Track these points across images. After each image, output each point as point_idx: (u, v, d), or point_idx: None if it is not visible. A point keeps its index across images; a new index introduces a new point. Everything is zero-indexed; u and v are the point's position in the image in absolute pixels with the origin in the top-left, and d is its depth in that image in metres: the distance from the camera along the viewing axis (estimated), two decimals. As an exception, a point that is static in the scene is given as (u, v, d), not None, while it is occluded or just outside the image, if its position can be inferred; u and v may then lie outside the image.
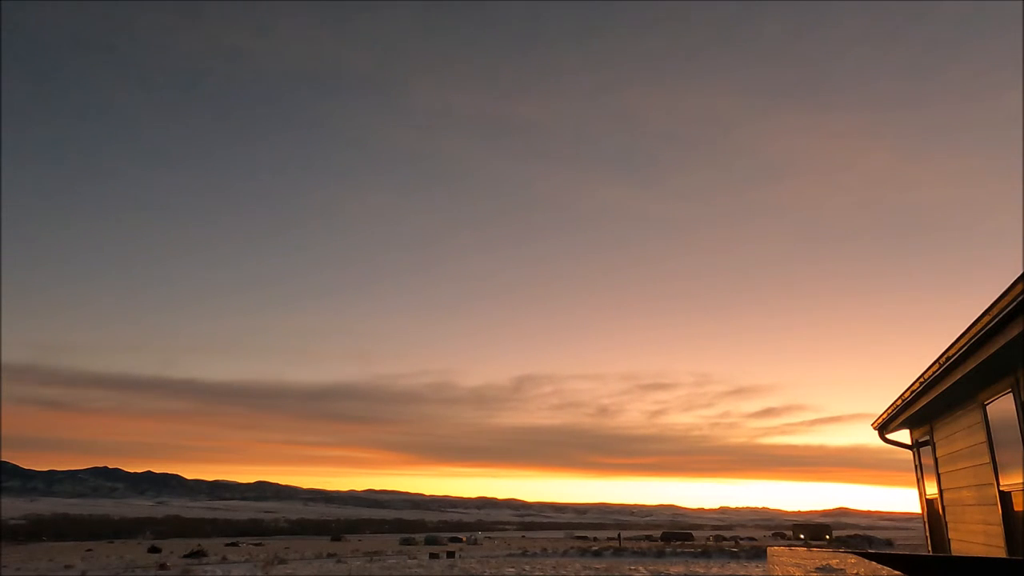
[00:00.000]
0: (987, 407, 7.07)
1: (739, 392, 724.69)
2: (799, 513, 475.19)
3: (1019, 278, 4.48)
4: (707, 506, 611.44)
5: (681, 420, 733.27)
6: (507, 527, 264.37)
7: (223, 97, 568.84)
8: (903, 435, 11.40)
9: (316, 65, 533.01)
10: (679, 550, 63.32)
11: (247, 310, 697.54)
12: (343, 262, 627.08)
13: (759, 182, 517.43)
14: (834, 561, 7.35)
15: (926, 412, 8.88)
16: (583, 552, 62.20)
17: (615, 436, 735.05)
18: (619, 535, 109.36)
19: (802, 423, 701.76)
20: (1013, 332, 4.93)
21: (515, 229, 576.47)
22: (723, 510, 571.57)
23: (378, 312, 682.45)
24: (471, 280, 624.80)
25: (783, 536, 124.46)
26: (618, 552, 61.25)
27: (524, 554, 61.72)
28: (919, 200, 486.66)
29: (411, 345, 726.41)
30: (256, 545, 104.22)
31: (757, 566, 41.78)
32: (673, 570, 37.27)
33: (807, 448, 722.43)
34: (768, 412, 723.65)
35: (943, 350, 6.37)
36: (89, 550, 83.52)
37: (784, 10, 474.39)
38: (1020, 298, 4.51)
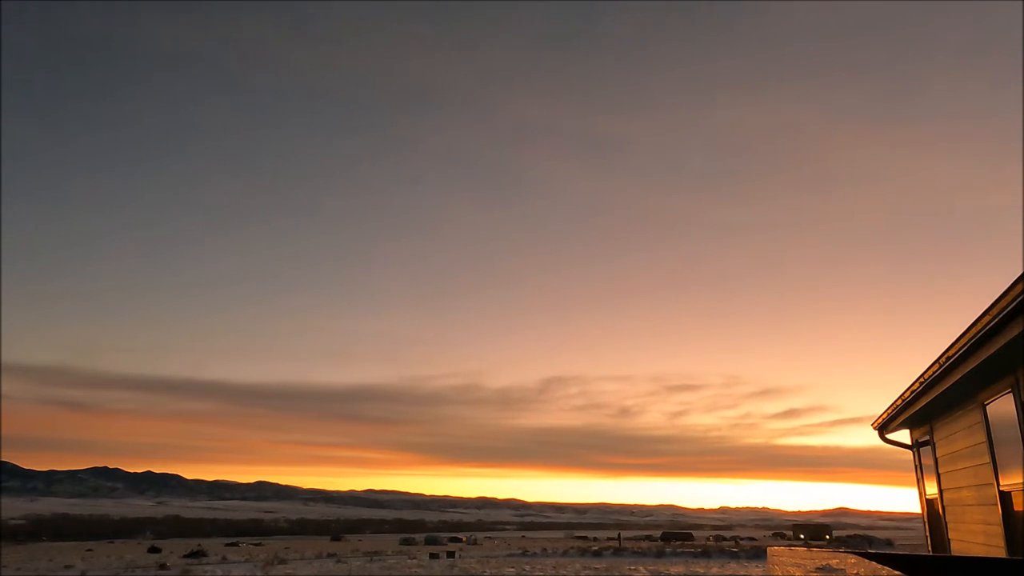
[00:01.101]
0: (987, 407, 7.07)
1: (765, 393, 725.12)
2: (799, 513, 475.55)
3: (1019, 278, 4.48)
4: (707, 506, 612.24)
5: (702, 421, 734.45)
6: (507, 527, 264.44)
7: (285, 103, 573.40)
8: (903, 435, 11.40)
9: (408, 78, 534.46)
10: (679, 550, 63.34)
11: (281, 313, 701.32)
12: (381, 266, 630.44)
13: (805, 192, 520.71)
14: (834, 561, 7.35)
15: (926, 412, 8.88)
16: (583, 552, 62.20)
17: (630, 437, 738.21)
18: (619, 535, 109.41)
19: (821, 424, 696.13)
20: (1013, 332, 4.93)
21: (550, 232, 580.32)
22: (723, 510, 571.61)
23: (413, 315, 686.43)
24: (505, 283, 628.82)
25: (783, 536, 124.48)
26: (618, 552, 61.25)
27: (524, 554, 61.73)
28: (952, 206, 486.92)
29: (444, 347, 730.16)
30: (256, 545, 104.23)
31: (757, 566, 41.79)
32: (673, 570, 37.28)
33: (808, 448, 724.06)
34: (790, 413, 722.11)
35: (943, 350, 6.37)
36: (89, 550, 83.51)
37: (879, 31, 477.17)
38: (1020, 298, 4.52)
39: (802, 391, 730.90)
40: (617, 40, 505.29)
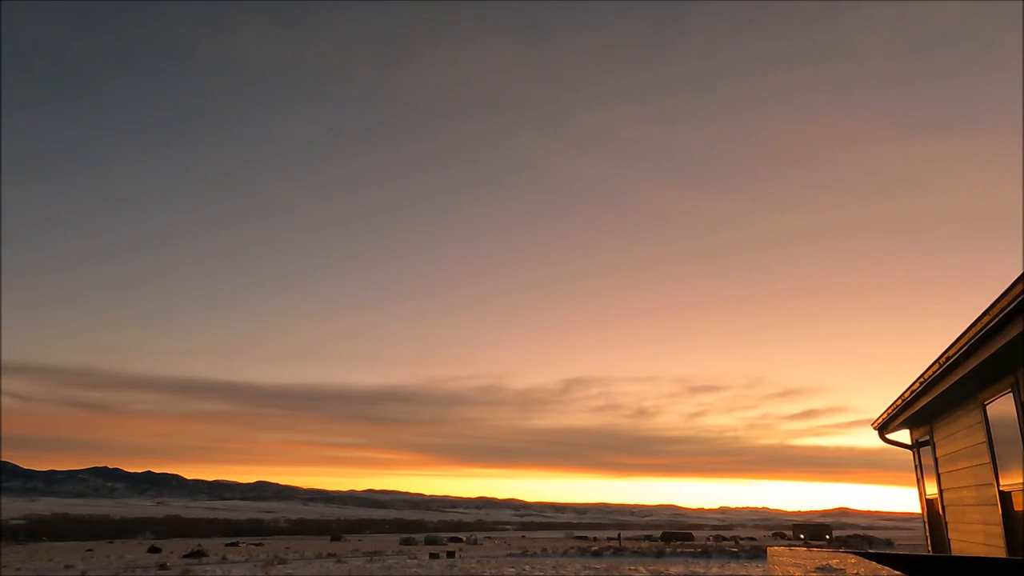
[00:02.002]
0: (987, 407, 7.07)
1: (786, 394, 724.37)
2: (799, 513, 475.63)
3: (1019, 278, 4.48)
4: (707, 506, 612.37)
5: (719, 422, 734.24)
6: (507, 527, 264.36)
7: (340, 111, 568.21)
8: (903, 435, 11.40)
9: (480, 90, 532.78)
10: (679, 550, 63.37)
11: (311, 316, 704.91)
12: (416, 271, 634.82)
13: (838, 198, 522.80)
14: (834, 561, 7.34)
15: (926, 412, 8.88)
16: (583, 552, 62.21)
17: (644, 438, 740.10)
18: (619, 535, 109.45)
19: (839, 425, 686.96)
20: (1013, 332, 4.93)
21: (589, 235, 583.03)
22: (723, 510, 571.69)
23: (444, 317, 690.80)
24: (533, 284, 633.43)
25: (783, 536, 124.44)
26: (618, 552, 61.25)
27: (524, 554, 61.71)
28: (984, 210, 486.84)
29: (472, 349, 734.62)
30: (256, 545, 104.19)
31: (757, 566, 41.78)
32: (673, 570, 37.27)
33: (809, 449, 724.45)
34: (808, 414, 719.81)
35: (943, 350, 6.37)
36: (89, 550, 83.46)
37: (948, 45, 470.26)
38: (1020, 298, 4.52)
39: (824, 392, 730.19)
40: (690, 53, 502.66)
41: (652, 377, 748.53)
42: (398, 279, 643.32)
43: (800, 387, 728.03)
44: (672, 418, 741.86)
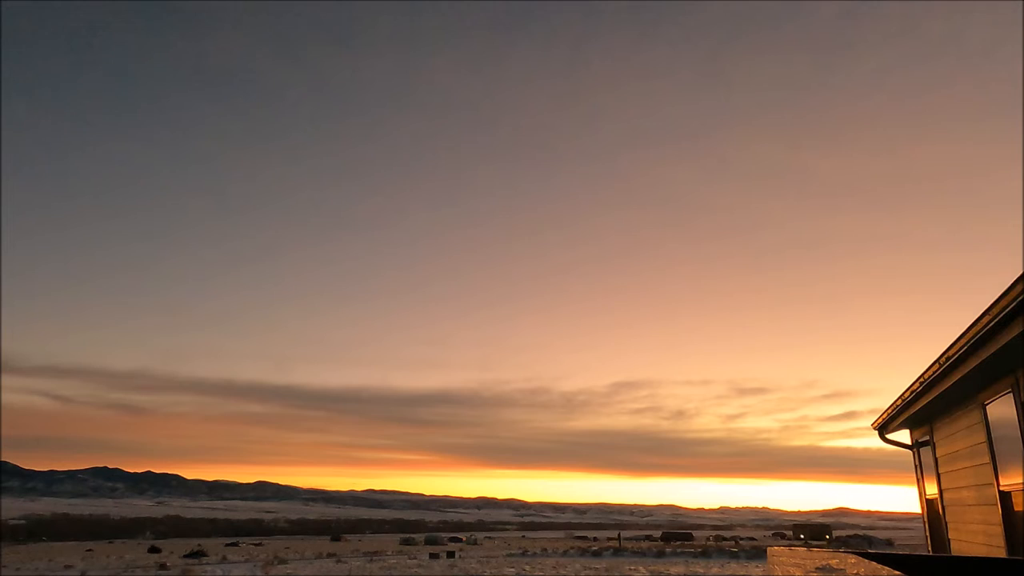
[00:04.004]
0: (987, 407, 7.07)
1: (833, 396, 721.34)
2: (799, 513, 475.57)
3: (1019, 278, 4.48)
4: (707, 506, 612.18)
5: (756, 424, 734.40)
6: (507, 527, 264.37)
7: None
8: (903, 435, 11.41)
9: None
10: (679, 550, 63.33)
11: (368, 320, 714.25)
12: (474, 277, 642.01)
13: (893, 208, 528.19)
14: (834, 561, 7.34)
15: (926, 412, 8.88)
16: (583, 552, 62.16)
17: (670, 440, 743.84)
18: (619, 535, 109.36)
19: (870, 427, 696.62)
20: (1013, 332, 4.94)
21: (651, 244, 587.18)
22: (723, 510, 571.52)
23: (507, 321, 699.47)
24: (590, 288, 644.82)
25: (783, 536, 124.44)
26: (618, 552, 61.22)
27: (524, 554, 61.67)
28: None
29: (530, 352, 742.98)
30: (256, 545, 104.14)
31: (757, 566, 41.75)
32: (673, 570, 37.25)
33: (811, 449, 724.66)
34: (849, 415, 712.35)
35: (943, 350, 6.37)
36: (89, 550, 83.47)
37: None
38: (1020, 298, 4.52)
39: (872, 395, 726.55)
40: (849, 88, 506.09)
41: (705, 380, 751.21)
42: (467, 288, 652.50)
43: (849, 390, 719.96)
44: (709, 420, 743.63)
